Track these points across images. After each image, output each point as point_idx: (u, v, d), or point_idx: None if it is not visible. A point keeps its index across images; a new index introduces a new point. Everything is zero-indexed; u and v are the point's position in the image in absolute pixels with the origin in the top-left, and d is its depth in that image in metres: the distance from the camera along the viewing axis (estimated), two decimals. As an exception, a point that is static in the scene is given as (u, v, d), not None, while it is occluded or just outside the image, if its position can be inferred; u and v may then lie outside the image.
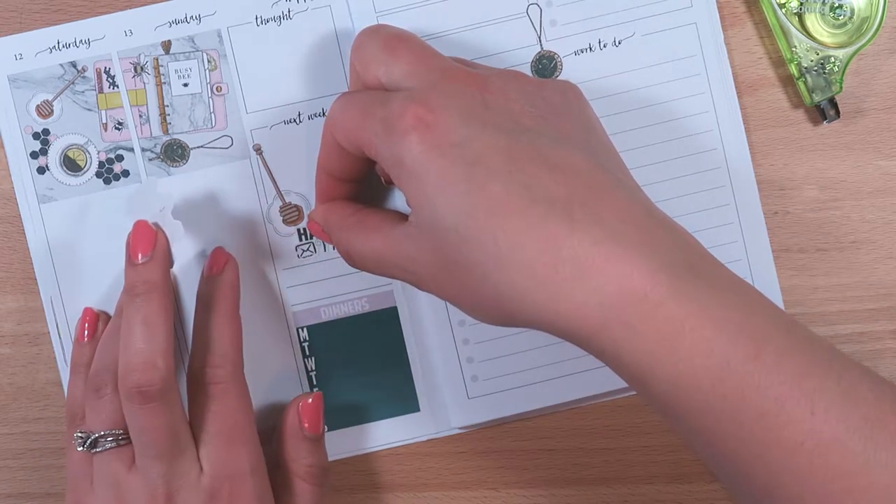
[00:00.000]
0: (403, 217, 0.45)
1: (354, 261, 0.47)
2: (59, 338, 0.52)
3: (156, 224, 0.48)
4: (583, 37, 0.52)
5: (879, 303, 0.54)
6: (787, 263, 0.54)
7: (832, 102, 0.52)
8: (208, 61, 0.52)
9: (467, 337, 0.53)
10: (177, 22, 0.52)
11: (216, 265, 0.50)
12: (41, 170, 0.52)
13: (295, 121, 0.52)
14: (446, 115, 0.41)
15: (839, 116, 0.53)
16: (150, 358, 0.45)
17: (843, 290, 0.54)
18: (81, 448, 0.48)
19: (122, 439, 0.47)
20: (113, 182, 0.52)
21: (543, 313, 0.40)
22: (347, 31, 0.52)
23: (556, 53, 0.52)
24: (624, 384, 0.41)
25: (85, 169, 0.52)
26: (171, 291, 0.48)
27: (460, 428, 0.54)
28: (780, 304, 0.53)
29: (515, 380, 0.53)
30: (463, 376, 0.53)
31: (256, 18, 0.52)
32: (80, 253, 0.52)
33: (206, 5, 0.52)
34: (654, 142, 0.53)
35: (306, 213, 0.53)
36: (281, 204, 0.52)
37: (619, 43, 0.52)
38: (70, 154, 0.52)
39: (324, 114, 0.52)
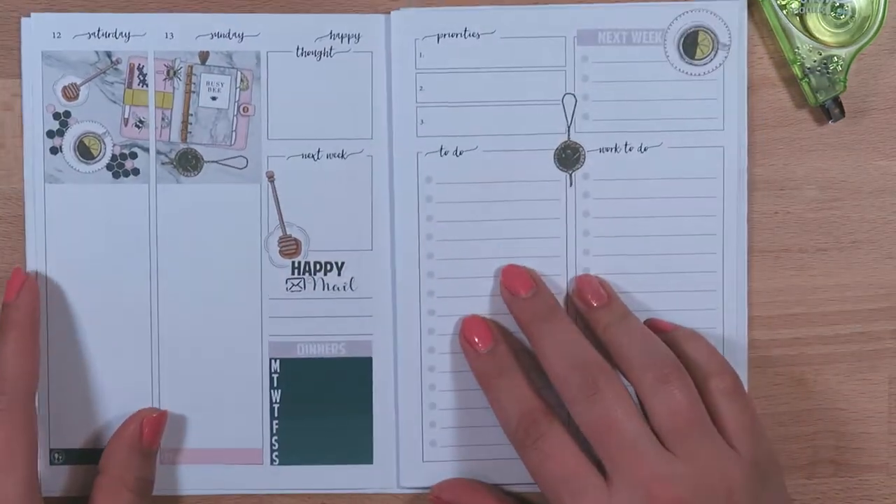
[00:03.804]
0: None
1: None
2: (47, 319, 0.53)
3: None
4: (611, 136, 0.53)
5: (879, 303, 0.54)
6: (787, 263, 0.54)
7: (837, 102, 0.52)
8: (241, 80, 0.52)
9: (435, 402, 0.53)
10: (219, 35, 0.52)
11: (11, 290, 0.51)
12: (54, 150, 0.52)
13: (313, 156, 0.52)
14: None
15: (844, 115, 0.53)
16: None
17: (843, 290, 0.54)
18: None
19: None
20: (121, 178, 0.52)
21: None
22: (382, 82, 0.52)
23: (581, 146, 0.53)
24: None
25: (97, 158, 0.52)
26: None
27: (409, 488, 0.54)
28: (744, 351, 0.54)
29: (475, 452, 0.53)
30: (422, 439, 0.53)
31: (297, 49, 0.52)
32: (75, 238, 0.52)
33: (252, 25, 0.52)
34: (657, 252, 0.53)
35: (304, 247, 0.53)
36: (281, 235, 0.53)
37: (646, 150, 0.53)
38: (85, 141, 0.52)
39: (343, 156, 0.52)
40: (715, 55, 0.52)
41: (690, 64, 0.52)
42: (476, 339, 0.51)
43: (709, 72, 0.52)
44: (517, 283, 0.51)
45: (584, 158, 0.53)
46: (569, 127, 0.53)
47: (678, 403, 0.47)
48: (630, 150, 0.53)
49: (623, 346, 0.50)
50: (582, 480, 0.47)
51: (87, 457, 0.53)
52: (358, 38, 0.52)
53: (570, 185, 0.53)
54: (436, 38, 0.52)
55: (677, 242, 0.53)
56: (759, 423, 0.49)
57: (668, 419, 0.47)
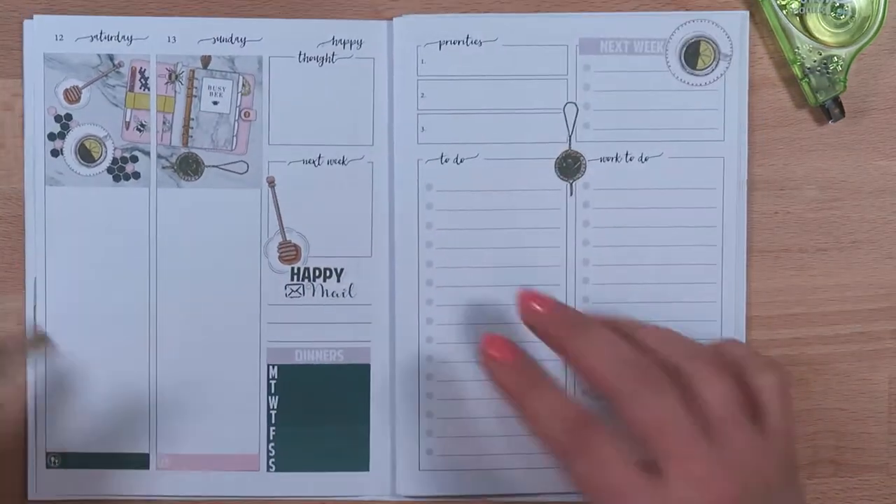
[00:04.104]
0: None
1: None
2: (34, 317, 0.52)
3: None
4: (612, 145, 0.53)
5: (879, 303, 0.54)
6: (787, 263, 0.54)
7: (837, 102, 0.52)
8: (243, 85, 0.52)
9: (432, 410, 0.53)
10: (221, 40, 0.52)
11: None
12: (55, 152, 0.52)
13: (314, 162, 0.52)
14: None
15: (844, 115, 0.53)
16: None
17: (843, 290, 0.54)
18: None
19: None
20: (122, 181, 0.52)
21: None
22: (384, 88, 0.52)
23: (582, 155, 0.53)
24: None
25: (98, 161, 0.52)
26: None
27: (405, 496, 0.54)
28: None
29: (471, 462, 0.53)
30: (419, 447, 0.53)
31: (300, 54, 0.52)
32: (75, 241, 0.52)
33: (254, 30, 0.52)
34: (657, 262, 0.53)
35: (304, 254, 0.53)
36: (281, 240, 0.53)
37: (646, 160, 0.53)
38: (87, 144, 0.52)
39: (344, 162, 0.52)
40: (716, 65, 0.53)
41: (692, 74, 0.53)
42: (500, 354, 0.48)
43: (710, 82, 0.53)
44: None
45: (585, 168, 0.53)
46: (570, 136, 0.53)
47: (726, 397, 0.45)
48: (631, 159, 0.53)
49: (668, 346, 0.47)
50: (633, 481, 0.44)
51: (83, 460, 0.53)
52: (360, 44, 0.52)
53: (571, 194, 0.53)
54: (437, 44, 0.52)
55: (677, 252, 0.53)
56: (794, 423, 0.47)
57: (719, 408, 0.45)
